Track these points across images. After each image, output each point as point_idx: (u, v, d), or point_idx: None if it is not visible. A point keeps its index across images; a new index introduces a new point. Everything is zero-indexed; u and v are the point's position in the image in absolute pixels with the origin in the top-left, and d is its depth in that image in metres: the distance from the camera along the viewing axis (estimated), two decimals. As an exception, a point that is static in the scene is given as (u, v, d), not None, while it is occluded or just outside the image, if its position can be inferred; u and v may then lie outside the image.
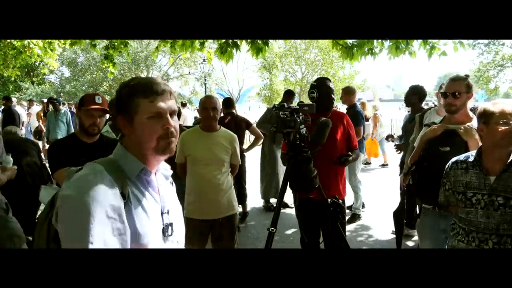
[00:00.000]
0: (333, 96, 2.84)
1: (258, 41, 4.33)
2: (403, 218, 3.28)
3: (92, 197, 0.96)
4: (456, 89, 2.25)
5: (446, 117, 2.48)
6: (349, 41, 4.43)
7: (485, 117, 1.85)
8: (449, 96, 2.27)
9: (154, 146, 1.09)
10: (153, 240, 1.09)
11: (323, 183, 2.61)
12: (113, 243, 0.97)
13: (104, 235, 0.96)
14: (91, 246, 0.94)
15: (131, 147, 1.14)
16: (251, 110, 30.23)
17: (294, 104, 2.89)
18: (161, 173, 1.23)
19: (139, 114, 1.09)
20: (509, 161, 1.81)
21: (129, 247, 1.02)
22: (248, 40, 4.40)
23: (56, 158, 2.33)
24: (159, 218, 1.13)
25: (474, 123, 2.37)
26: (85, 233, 0.94)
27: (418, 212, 2.45)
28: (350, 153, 2.77)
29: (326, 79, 2.96)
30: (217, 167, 2.83)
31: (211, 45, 6.94)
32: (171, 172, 1.29)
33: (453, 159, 2.02)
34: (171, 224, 1.15)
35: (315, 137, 2.49)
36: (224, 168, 2.87)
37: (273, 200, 5.38)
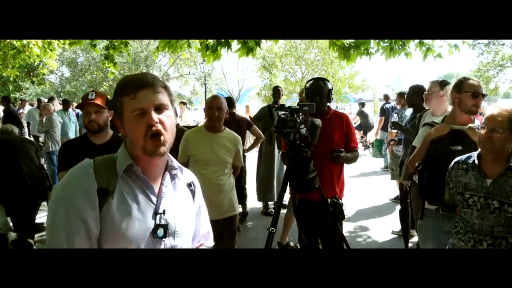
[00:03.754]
0: (323, 97, 2.77)
1: (249, 41, 4.31)
2: (408, 216, 3.26)
3: (65, 190, 1.03)
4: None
5: (448, 117, 2.48)
6: (346, 42, 4.43)
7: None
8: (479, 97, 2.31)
9: (141, 145, 1.06)
10: (137, 239, 1.05)
11: (321, 184, 2.60)
12: (78, 236, 0.99)
13: (69, 227, 0.99)
14: (56, 238, 1.00)
15: (128, 146, 1.13)
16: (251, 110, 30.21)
17: (282, 100, 2.86)
18: (168, 173, 1.18)
19: (125, 113, 1.07)
20: (507, 165, 1.81)
21: (99, 241, 1.02)
22: (240, 40, 4.39)
23: (64, 159, 2.33)
24: (149, 218, 1.09)
25: (477, 124, 2.38)
26: (52, 224, 1.02)
27: (420, 213, 2.42)
28: (343, 149, 2.72)
29: (318, 79, 2.90)
30: (219, 168, 2.82)
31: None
32: (181, 174, 1.22)
33: (456, 159, 2.02)
34: (164, 226, 1.10)
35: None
36: (226, 170, 2.87)
37: (271, 204, 5.36)
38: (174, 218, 1.14)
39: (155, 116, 1.05)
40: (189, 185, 1.27)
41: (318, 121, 2.50)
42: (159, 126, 1.05)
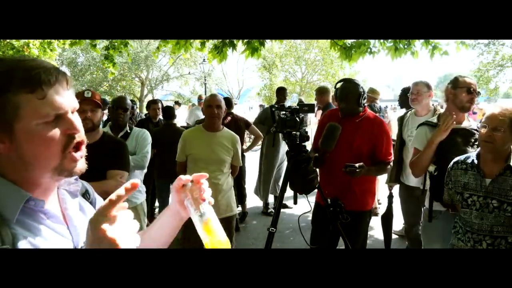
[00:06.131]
0: (354, 100, 2.53)
1: (254, 41, 4.32)
2: (391, 221, 3.35)
3: None
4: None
5: (443, 115, 2.47)
6: (348, 42, 4.43)
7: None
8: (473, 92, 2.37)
9: (55, 164, 0.76)
10: None
11: (340, 192, 2.51)
12: None
13: None
14: None
15: (9, 170, 0.76)
16: (251, 110, 30.34)
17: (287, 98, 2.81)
18: (63, 190, 0.88)
19: (22, 120, 0.72)
20: (505, 164, 1.81)
21: None
22: (244, 41, 4.40)
23: None
24: None
25: (473, 123, 2.39)
26: None
27: (428, 216, 2.39)
28: (361, 163, 2.35)
29: (348, 80, 2.67)
30: (218, 167, 2.83)
31: (211, 45, 6.93)
32: (80, 184, 0.93)
33: (455, 159, 2.03)
34: None
35: (321, 143, 2.43)
36: (225, 169, 2.87)
37: (271, 204, 5.37)
38: None
39: (76, 123, 0.78)
40: (87, 196, 0.97)
41: (335, 125, 2.39)
42: (82, 135, 0.80)
